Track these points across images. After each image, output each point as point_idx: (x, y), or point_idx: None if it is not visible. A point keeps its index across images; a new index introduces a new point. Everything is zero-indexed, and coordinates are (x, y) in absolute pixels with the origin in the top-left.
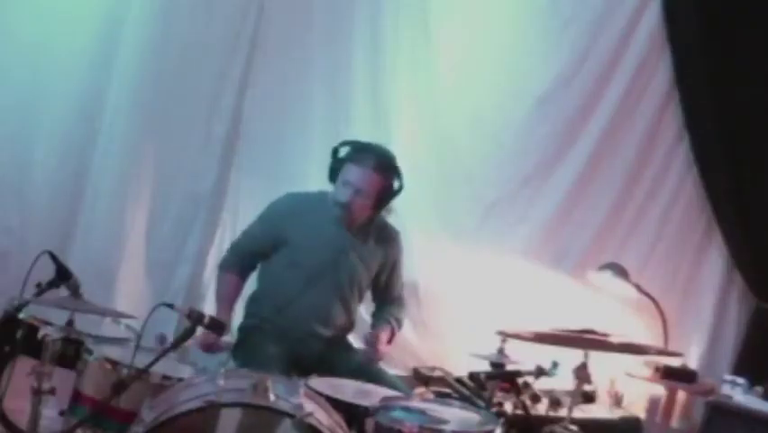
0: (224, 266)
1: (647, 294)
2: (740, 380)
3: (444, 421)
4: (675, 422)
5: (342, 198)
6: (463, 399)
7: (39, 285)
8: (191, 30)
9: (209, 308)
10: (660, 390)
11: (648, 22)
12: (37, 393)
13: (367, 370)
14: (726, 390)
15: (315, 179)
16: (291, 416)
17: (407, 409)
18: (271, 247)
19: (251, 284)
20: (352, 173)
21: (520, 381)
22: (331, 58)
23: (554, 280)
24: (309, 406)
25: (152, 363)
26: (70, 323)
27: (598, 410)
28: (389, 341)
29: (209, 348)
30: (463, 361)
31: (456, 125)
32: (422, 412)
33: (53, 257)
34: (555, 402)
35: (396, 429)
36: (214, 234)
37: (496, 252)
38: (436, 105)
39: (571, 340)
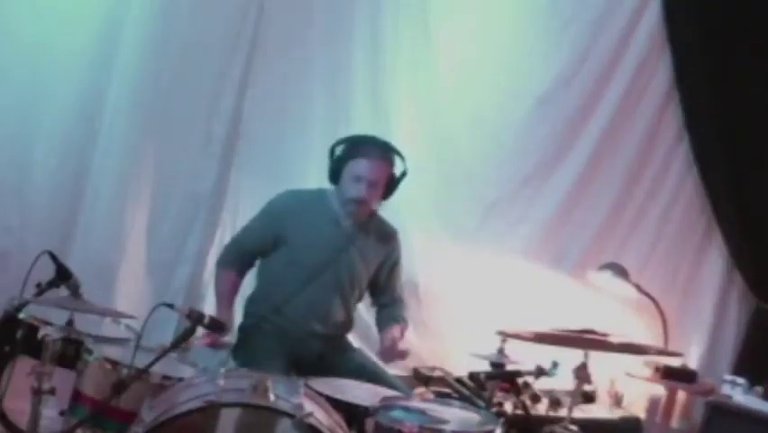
0: (222, 263)
1: (647, 294)
2: (740, 380)
3: (444, 421)
4: (675, 422)
5: (359, 194)
6: (463, 399)
7: (39, 285)
8: (191, 30)
9: (209, 308)
10: (660, 390)
11: (648, 22)
12: (37, 393)
13: (367, 370)
14: (726, 390)
15: (315, 179)
16: (291, 416)
17: (407, 409)
18: (271, 244)
19: (250, 284)
20: (363, 167)
21: (520, 381)
22: (331, 58)
23: (554, 281)
24: (309, 406)
25: (152, 363)
26: (70, 323)
27: (598, 410)
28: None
29: (212, 344)
30: (463, 361)
31: (456, 125)
32: (422, 412)
33: (53, 257)
34: (555, 402)
35: (396, 429)
36: (214, 235)
37: (496, 252)
38: (436, 105)
39: (571, 340)
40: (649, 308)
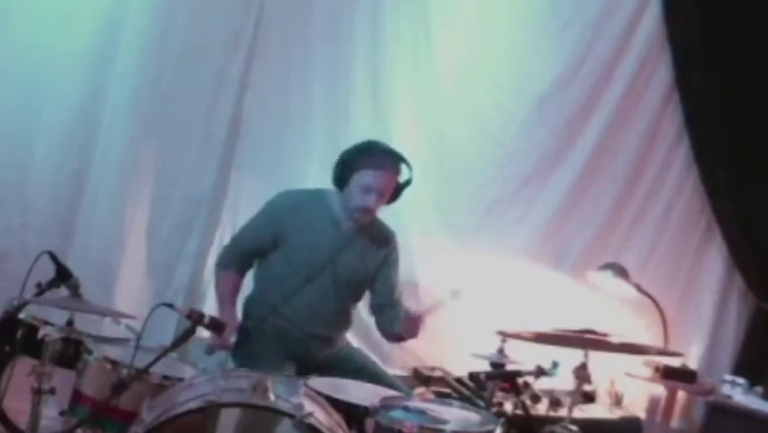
0: (221, 264)
1: (647, 294)
2: (740, 380)
3: (444, 421)
4: (675, 422)
5: (368, 204)
6: (463, 399)
7: (39, 285)
8: (191, 30)
9: (209, 308)
10: (660, 390)
11: (648, 22)
12: (37, 393)
13: (367, 370)
14: (726, 390)
15: (315, 179)
16: (291, 416)
17: (407, 409)
18: (270, 244)
19: (249, 285)
20: (373, 178)
21: (520, 381)
22: (331, 58)
23: (554, 281)
24: (309, 406)
25: (152, 363)
26: (70, 323)
27: (598, 410)
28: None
29: (223, 347)
30: (463, 361)
31: (456, 125)
32: (422, 412)
33: (53, 257)
34: (555, 402)
35: (396, 429)
36: (214, 235)
37: (496, 252)
38: (436, 105)
39: (571, 340)
40: (649, 308)
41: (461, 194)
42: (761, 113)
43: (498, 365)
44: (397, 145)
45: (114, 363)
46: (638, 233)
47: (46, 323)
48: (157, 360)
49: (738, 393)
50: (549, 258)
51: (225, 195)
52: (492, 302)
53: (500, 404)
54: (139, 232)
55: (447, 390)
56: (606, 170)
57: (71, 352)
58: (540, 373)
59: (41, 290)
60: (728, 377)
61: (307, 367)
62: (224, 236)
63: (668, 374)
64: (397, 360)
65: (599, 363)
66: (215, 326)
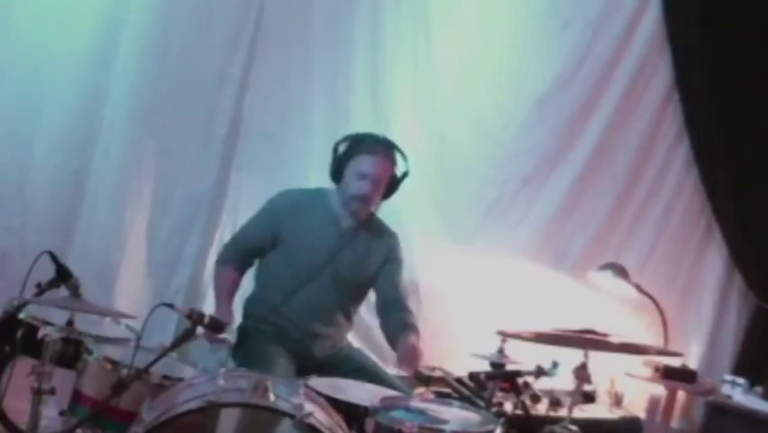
0: (221, 261)
1: (647, 294)
2: (740, 380)
3: (444, 421)
4: (675, 422)
5: (363, 191)
6: (463, 399)
7: (39, 285)
8: (191, 30)
9: (209, 308)
10: (660, 390)
11: (648, 22)
12: (37, 393)
13: (367, 370)
14: (726, 390)
15: (316, 179)
16: (291, 416)
17: (407, 409)
18: (269, 243)
19: (249, 285)
20: (367, 164)
21: (520, 381)
22: (331, 58)
23: (554, 281)
24: (309, 406)
25: (152, 363)
26: (70, 323)
27: (598, 410)
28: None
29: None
30: (463, 361)
31: (456, 125)
32: (422, 412)
33: (53, 257)
34: (555, 402)
35: (396, 429)
36: (214, 235)
37: (496, 252)
38: (436, 105)
39: (571, 340)
40: (649, 308)
41: (461, 194)
42: (761, 113)
43: (498, 365)
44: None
45: (114, 363)
46: (638, 233)
47: (46, 323)
48: (157, 360)
49: (738, 393)
50: (549, 258)
51: (225, 195)
52: (492, 302)
53: (500, 404)
54: (139, 232)
55: (447, 390)
56: (606, 170)
57: (71, 352)
58: (540, 373)
59: (41, 290)
60: (728, 377)
61: (307, 367)
62: (224, 236)
63: (668, 374)
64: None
65: (599, 363)
66: (215, 326)
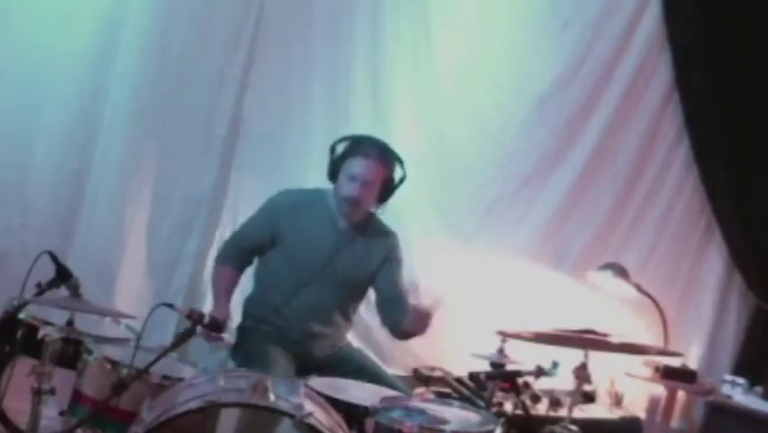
0: (220, 259)
1: (647, 294)
2: (740, 380)
3: (444, 421)
4: (675, 422)
5: (352, 193)
6: (463, 399)
7: (39, 285)
8: (191, 30)
9: (209, 308)
10: (660, 390)
11: (648, 22)
12: (37, 393)
13: (367, 370)
14: (726, 390)
15: (315, 180)
16: (291, 416)
17: (407, 409)
18: (268, 242)
19: (249, 285)
20: (358, 166)
21: (520, 381)
22: (331, 58)
23: (554, 281)
24: (309, 406)
25: (152, 363)
26: (70, 323)
27: (598, 410)
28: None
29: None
30: (463, 361)
31: (456, 125)
32: (422, 412)
33: (53, 257)
34: (555, 402)
35: (396, 429)
36: (214, 235)
37: (496, 252)
38: (436, 105)
39: (571, 340)
40: (649, 308)
41: (461, 194)
42: (761, 113)
43: (498, 365)
44: (397, 145)
45: (114, 363)
46: (638, 233)
47: (46, 323)
48: (157, 360)
49: (738, 393)
50: (549, 258)
51: (225, 195)
52: (492, 302)
53: (500, 404)
54: (139, 232)
55: (447, 390)
56: (606, 170)
57: (71, 352)
58: (540, 373)
59: (41, 290)
60: (728, 377)
61: (307, 367)
62: (224, 236)
63: (668, 374)
64: (397, 360)
65: (599, 363)
66: (215, 326)
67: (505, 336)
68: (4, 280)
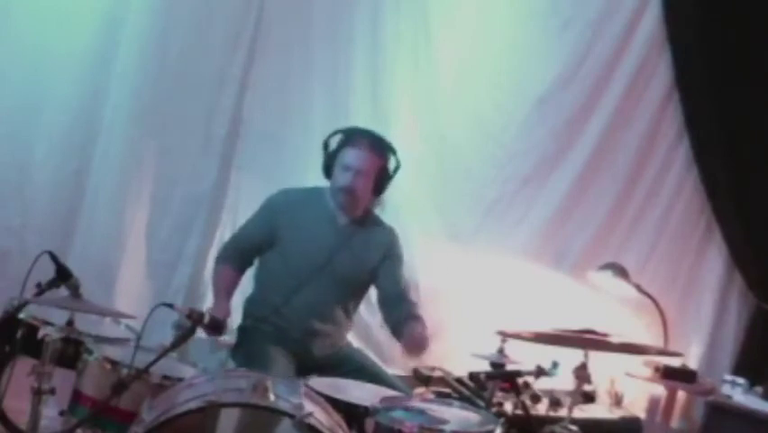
0: (220, 259)
1: (647, 294)
2: (740, 380)
3: (444, 421)
4: (675, 422)
5: (346, 182)
6: (463, 399)
7: (39, 285)
8: (191, 30)
9: (210, 306)
10: (660, 390)
11: (648, 22)
12: (37, 393)
13: (367, 370)
14: (726, 390)
15: (315, 179)
16: (291, 416)
17: (407, 409)
18: (268, 242)
19: (249, 285)
20: (350, 156)
21: (520, 381)
22: (331, 58)
23: (554, 281)
24: (309, 406)
25: (152, 363)
26: (70, 323)
27: (598, 410)
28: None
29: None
30: (463, 361)
31: (456, 125)
32: (422, 412)
33: (53, 257)
34: (555, 402)
35: (396, 429)
36: (214, 235)
37: (496, 252)
38: (436, 105)
39: (571, 340)
40: (649, 308)
41: (461, 194)
42: (761, 113)
43: (498, 365)
44: (397, 145)
45: (114, 363)
46: (638, 233)
47: (46, 323)
48: (157, 360)
49: (738, 393)
50: (549, 258)
51: (225, 195)
52: (492, 302)
53: (500, 404)
54: (139, 232)
55: (447, 390)
56: (606, 170)
57: (71, 352)
58: (540, 373)
59: (41, 290)
60: (728, 377)
61: (307, 367)
62: (224, 236)
63: (668, 374)
64: (397, 360)
65: (599, 363)
66: (215, 326)
67: (505, 336)
68: (4, 280)
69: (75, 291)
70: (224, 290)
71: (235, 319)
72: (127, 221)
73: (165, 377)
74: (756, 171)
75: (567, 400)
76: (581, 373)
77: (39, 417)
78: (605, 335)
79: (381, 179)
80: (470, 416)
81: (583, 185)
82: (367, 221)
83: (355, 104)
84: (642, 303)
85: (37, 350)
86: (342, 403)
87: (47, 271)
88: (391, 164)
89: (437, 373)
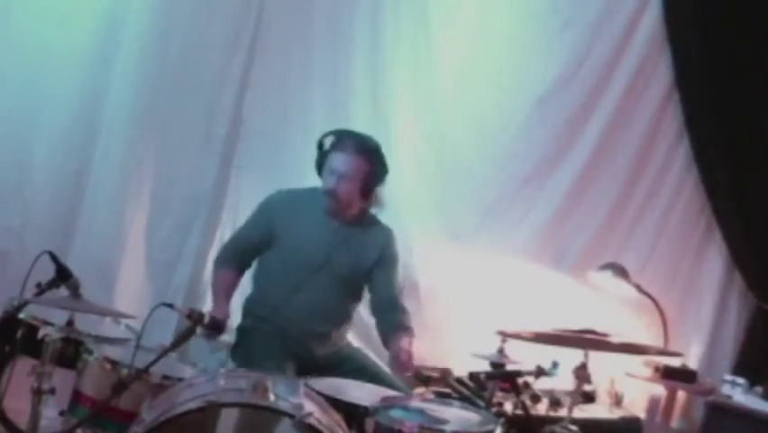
0: (219, 261)
1: (647, 294)
2: (740, 380)
3: (444, 421)
4: (675, 422)
5: (329, 186)
6: (463, 399)
7: (39, 285)
8: (191, 30)
9: (209, 308)
10: (660, 390)
11: (648, 22)
12: (37, 393)
13: (367, 370)
14: (726, 390)
15: (315, 180)
16: (291, 416)
17: (407, 409)
18: (265, 242)
19: (248, 286)
20: (335, 160)
21: (520, 381)
22: (331, 58)
23: (554, 281)
24: (309, 406)
25: (152, 363)
26: (70, 323)
27: (598, 410)
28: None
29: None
30: (463, 361)
31: (456, 125)
32: (422, 412)
33: (53, 257)
34: (555, 402)
35: (396, 429)
36: (214, 235)
37: (496, 252)
38: (436, 105)
39: (571, 340)
40: (649, 308)
41: (461, 194)
42: (761, 113)
43: (498, 365)
44: (397, 145)
45: (114, 363)
46: (638, 233)
47: (46, 323)
48: (157, 360)
49: (738, 393)
50: (549, 258)
51: (225, 195)
52: (492, 302)
53: (500, 404)
54: (139, 232)
55: (447, 390)
56: (606, 170)
57: (71, 352)
58: (540, 373)
59: (41, 290)
60: (728, 377)
61: (307, 367)
62: (223, 236)
63: (668, 374)
64: None
65: (599, 363)
66: (215, 326)
67: (505, 336)
68: (4, 280)
69: (75, 291)
70: (224, 293)
71: (235, 320)
72: (127, 221)
73: (165, 377)
74: (756, 171)
75: (567, 400)
76: (581, 373)
77: (39, 417)
78: (605, 335)
79: (368, 184)
80: (470, 416)
81: (583, 185)
82: (365, 221)
83: (355, 104)
84: (642, 303)
85: (37, 350)
86: (342, 403)
87: (47, 271)
88: (379, 166)
89: (437, 374)
